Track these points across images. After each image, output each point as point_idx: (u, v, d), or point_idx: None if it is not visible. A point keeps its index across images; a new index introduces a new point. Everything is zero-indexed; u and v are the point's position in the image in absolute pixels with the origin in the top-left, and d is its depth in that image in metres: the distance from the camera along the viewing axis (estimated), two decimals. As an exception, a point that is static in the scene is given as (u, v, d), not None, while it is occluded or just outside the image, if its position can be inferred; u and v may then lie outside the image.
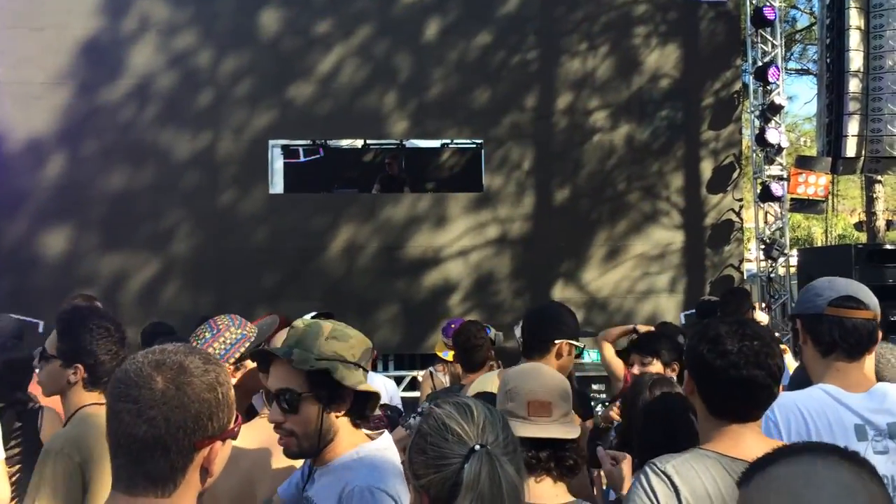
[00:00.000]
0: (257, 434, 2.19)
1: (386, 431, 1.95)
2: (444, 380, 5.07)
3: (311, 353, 1.78)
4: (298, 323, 1.89)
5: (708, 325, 1.92)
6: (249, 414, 2.46)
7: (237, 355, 2.42)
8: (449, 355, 4.57)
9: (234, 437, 1.34)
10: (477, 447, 1.30)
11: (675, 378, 3.18)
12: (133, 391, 1.23)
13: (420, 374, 8.58)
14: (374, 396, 1.88)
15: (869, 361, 2.21)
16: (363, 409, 1.87)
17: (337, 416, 1.82)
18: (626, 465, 2.30)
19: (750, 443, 1.77)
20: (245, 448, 2.13)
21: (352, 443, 1.84)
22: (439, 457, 1.32)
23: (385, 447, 1.88)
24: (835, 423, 2.08)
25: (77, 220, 8.53)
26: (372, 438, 1.91)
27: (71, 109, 8.59)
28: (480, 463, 1.27)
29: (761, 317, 5.11)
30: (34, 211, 8.48)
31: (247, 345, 2.44)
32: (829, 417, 2.09)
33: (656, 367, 3.31)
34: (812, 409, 2.11)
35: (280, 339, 2.27)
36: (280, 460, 2.09)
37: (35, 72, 8.54)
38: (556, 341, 2.83)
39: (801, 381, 2.40)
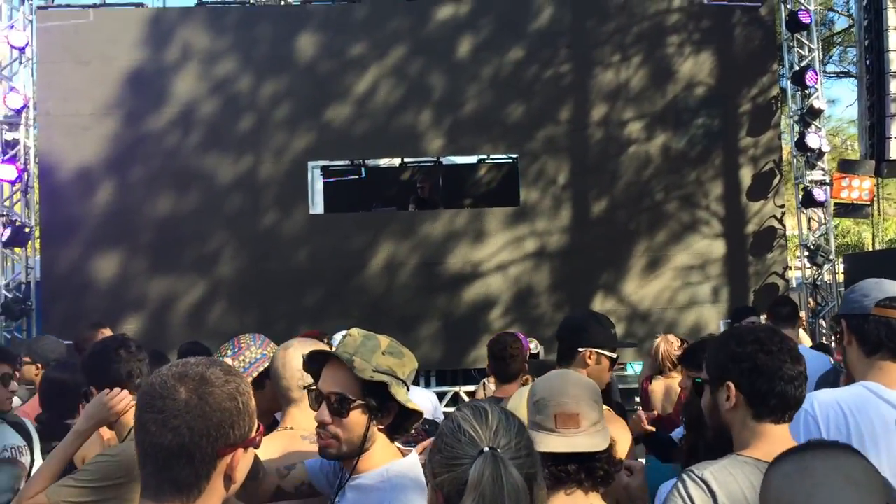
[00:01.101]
0: (279, 444, 2.26)
1: (413, 450, 2.00)
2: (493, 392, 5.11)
3: (369, 364, 1.84)
4: (354, 332, 1.94)
5: (739, 332, 1.97)
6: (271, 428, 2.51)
7: (255, 374, 2.50)
8: None
9: (257, 447, 1.40)
10: (486, 449, 1.35)
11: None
12: (158, 402, 1.30)
13: (462, 390, 8.65)
14: (417, 415, 1.94)
15: None
16: (403, 424, 1.94)
17: (378, 429, 1.88)
18: (640, 474, 2.30)
19: (782, 447, 1.78)
20: (268, 459, 2.19)
21: (385, 456, 1.90)
22: (452, 457, 1.38)
23: (412, 465, 1.92)
24: (875, 417, 2.10)
25: (126, 245, 8.80)
26: (403, 454, 1.97)
27: (118, 138, 8.89)
28: (485, 464, 1.32)
29: (804, 337, 5.03)
30: (85, 238, 8.78)
31: (266, 364, 2.51)
32: (870, 412, 2.11)
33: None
34: (852, 404, 2.13)
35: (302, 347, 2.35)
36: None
37: (83, 103, 8.87)
38: (580, 349, 2.85)
39: (831, 383, 2.40)
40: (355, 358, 1.84)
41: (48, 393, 3.66)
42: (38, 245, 9.07)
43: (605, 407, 2.88)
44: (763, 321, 5.09)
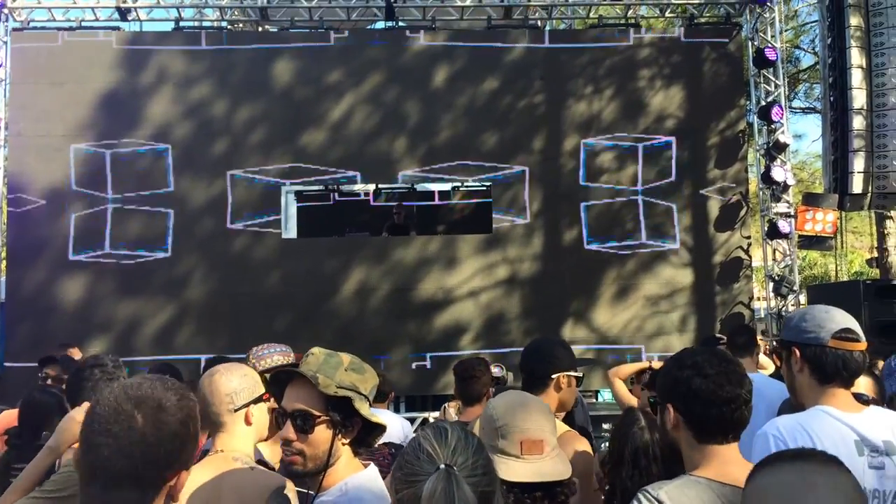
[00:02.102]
0: (211, 468, 2.23)
1: (372, 463, 2.02)
2: (454, 416, 5.12)
3: (332, 381, 1.88)
4: (316, 351, 1.97)
5: (681, 356, 2.04)
6: None
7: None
8: None
9: (194, 464, 1.44)
10: (441, 466, 1.39)
11: None
12: (114, 427, 1.30)
13: (432, 415, 8.62)
14: (380, 428, 1.98)
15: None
16: (366, 438, 1.97)
17: (343, 444, 1.91)
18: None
19: (735, 467, 1.86)
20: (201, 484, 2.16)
21: (347, 470, 1.93)
22: (411, 473, 1.42)
23: (371, 478, 1.96)
24: (837, 438, 2.16)
25: (93, 267, 8.72)
26: (365, 466, 1.99)
27: (90, 160, 8.84)
28: (438, 480, 1.36)
29: (764, 360, 5.10)
30: (52, 259, 8.68)
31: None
32: (833, 435, 2.18)
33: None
34: (817, 427, 2.19)
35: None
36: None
37: (55, 125, 8.83)
38: (553, 376, 2.90)
39: (793, 408, 2.46)
40: (319, 375, 1.88)
41: (24, 414, 3.66)
42: (2, 266, 8.95)
43: (567, 428, 2.93)
44: (766, 358, 5.19)
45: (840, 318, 2.30)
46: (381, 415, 4.87)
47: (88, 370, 2.62)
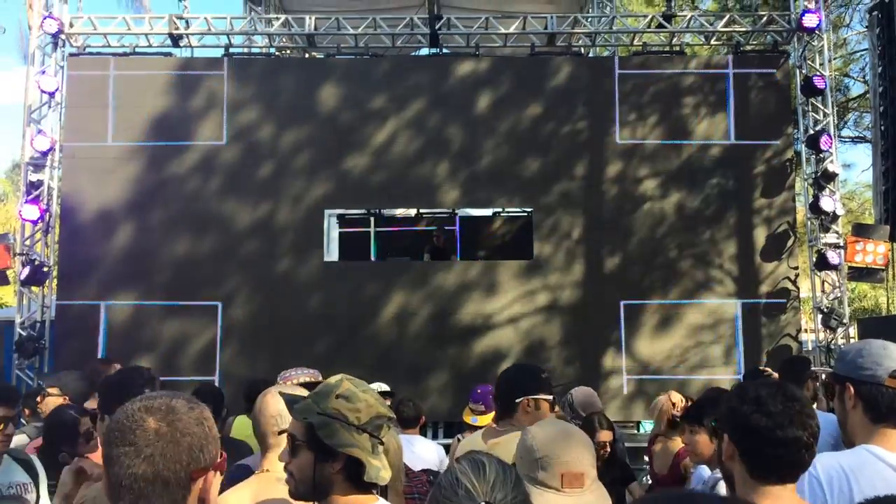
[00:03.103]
0: (255, 487, 2.27)
1: (381, 498, 1.93)
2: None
3: (315, 407, 1.85)
4: (333, 378, 1.96)
5: (745, 387, 1.95)
6: None
7: None
8: (478, 420, 4.55)
9: (223, 471, 1.44)
10: (482, 503, 1.37)
11: None
12: (129, 435, 1.34)
13: (459, 436, 8.54)
14: (368, 465, 1.85)
15: None
16: (357, 472, 1.84)
17: (332, 473, 1.84)
18: None
19: None
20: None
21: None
22: None
23: None
24: (878, 480, 2.07)
25: (142, 286, 8.90)
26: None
27: (140, 182, 9.07)
28: None
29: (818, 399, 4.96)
30: (103, 278, 8.88)
31: None
32: (873, 476, 2.09)
33: (703, 436, 3.28)
34: (855, 467, 2.11)
35: None
36: None
37: (108, 146, 9.08)
38: (517, 400, 2.98)
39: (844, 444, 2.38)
40: (305, 400, 1.88)
41: (46, 432, 3.72)
42: (55, 285, 9.18)
43: None
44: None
45: None
46: (417, 442, 4.91)
47: (130, 376, 2.64)
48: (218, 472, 1.43)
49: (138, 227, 9.03)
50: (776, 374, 4.90)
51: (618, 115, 9.25)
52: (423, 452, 4.73)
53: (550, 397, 3.09)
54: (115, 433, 1.36)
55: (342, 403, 1.85)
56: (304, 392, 2.49)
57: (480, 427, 4.44)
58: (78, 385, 4.51)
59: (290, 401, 1.91)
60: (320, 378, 2.87)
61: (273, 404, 2.39)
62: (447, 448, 7.46)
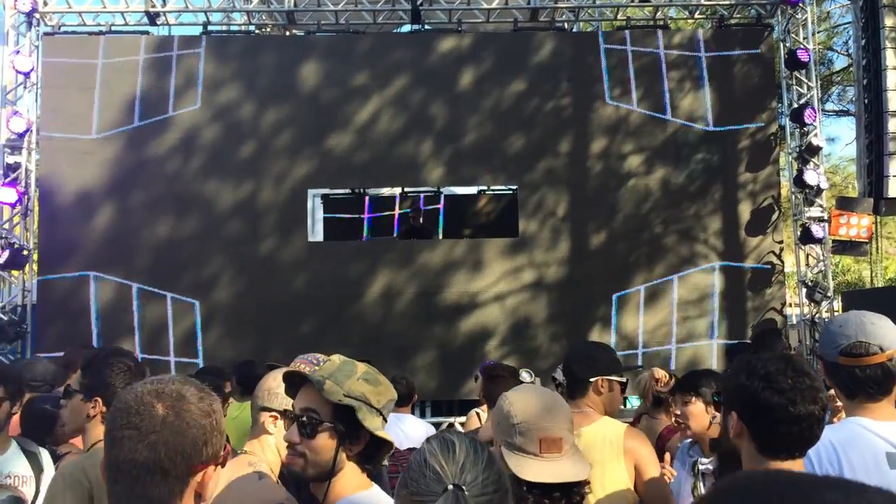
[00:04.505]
0: (229, 470, 2.23)
1: (375, 484, 1.93)
2: (478, 424, 5.04)
3: (341, 388, 1.82)
4: (335, 358, 1.93)
5: (753, 363, 1.89)
6: None
7: None
8: None
9: (223, 465, 1.41)
10: (450, 487, 1.31)
11: (718, 416, 3.11)
12: (134, 418, 1.30)
13: (458, 420, 8.57)
14: (388, 445, 1.90)
15: None
16: (374, 454, 1.89)
17: (348, 456, 1.84)
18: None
19: None
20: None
21: (352, 485, 1.85)
22: (417, 493, 1.34)
23: (375, 499, 1.88)
24: (866, 450, 2.08)
25: (123, 268, 8.80)
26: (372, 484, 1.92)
27: (119, 163, 8.94)
28: (447, 503, 1.29)
29: None
30: (83, 261, 8.78)
31: None
32: (861, 446, 2.09)
33: (698, 406, 3.24)
34: (844, 440, 2.11)
35: None
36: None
37: (85, 128, 8.93)
38: (591, 379, 2.87)
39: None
40: (328, 381, 1.83)
41: (27, 420, 3.64)
42: (35, 268, 9.06)
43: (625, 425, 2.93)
44: None
45: (852, 331, 2.18)
46: (406, 420, 4.89)
47: (111, 360, 2.58)
48: (218, 466, 1.39)
49: (118, 210, 8.91)
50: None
51: (607, 87, 9.18)
52: (411, 431, 4.70)
53: (624, 379, 3.01)
54: (120, 414, 1.32)
55: (366, 386, 1.85)
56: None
57: None
58: (48, 369, 4.44)
59: (317, 381, 1.85)
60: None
61: (269, 380, 2.37)
62: (436, 426, 7.48)
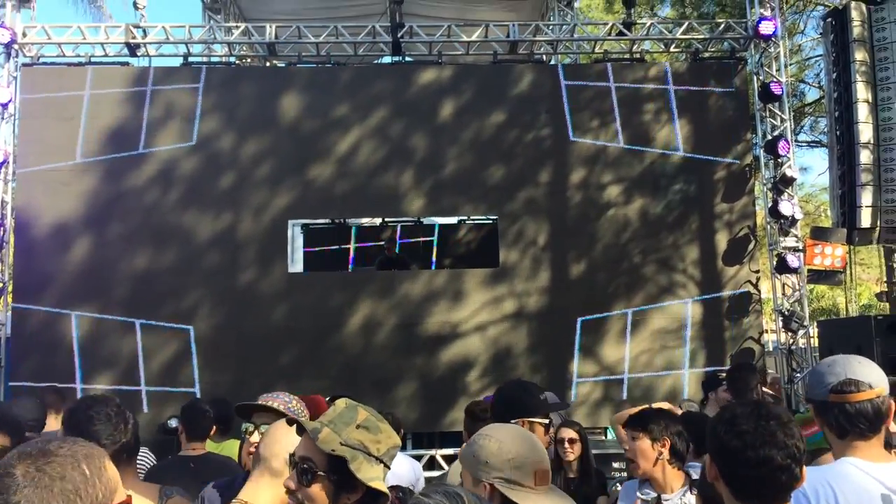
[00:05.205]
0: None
1: None
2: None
3: (338, 436, 1.80)
4: (339, 402, 1.91)
5: (725, 407, 1.97)
6: None
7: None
8: None
9: None
10: None
11: (665, 453, 3.17)
12: None
13: (439, 453, 8.51)
14: (383, 497, 1.86)
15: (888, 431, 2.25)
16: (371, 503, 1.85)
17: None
18: None
19: None
20: None
21: None
22: None
23: None
24: (862, 491, 2.09)
25: (100, 301, 8.70)
26: None
27: (97, 194, 8.87)
28: None
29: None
30: (58, 294, 8.67)
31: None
32: (856, 486, 2.11)
33: (645, 442, 3.29)
34: (839, 480, 2.12)
35: None
36: None
37: (63, 159, 8.87)
38: (513, 422, 2.86)
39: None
40: (325, 429, 1.81)
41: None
42: (10, 300, 8.93)
43: None
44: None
45: (841, 370, 2.22)
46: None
47: (91, 412, 2.54)
48: None
49: (96, 242, 8.82)
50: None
51: (570, 122, 9.30)
52: (397, 467, 4.63)
53: (546, 421, 3.03)
54: None
55: (364, 434, 1.82)
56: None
57: None
58: (37, 407, 4.36)
59: (313, 429, 1.82)
60: (294, 402, 2.79)
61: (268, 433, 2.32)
62: (416, 459, 7.42)
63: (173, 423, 7.81)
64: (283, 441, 2.17)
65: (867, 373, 2.21)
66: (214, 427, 4.21)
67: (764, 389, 4.94)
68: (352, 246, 10.88)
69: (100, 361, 8.61)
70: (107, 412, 2.51)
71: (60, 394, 5.70)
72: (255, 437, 2.63)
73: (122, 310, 8.71)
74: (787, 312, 9.28)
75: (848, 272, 11.22)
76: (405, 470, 4.53)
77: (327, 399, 3.54)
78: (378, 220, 10.94)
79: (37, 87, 9.07)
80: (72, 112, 8.97)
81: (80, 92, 9.02)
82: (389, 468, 1.88)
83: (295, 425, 1.93)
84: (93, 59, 9.33)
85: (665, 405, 4.80)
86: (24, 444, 1.33)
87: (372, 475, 1.81)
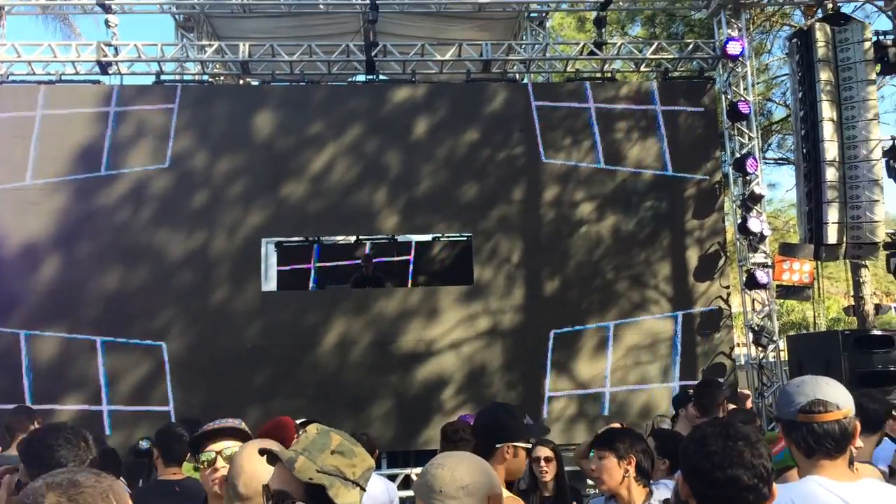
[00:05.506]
0: None
1: None
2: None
3: (313, 464, 1.79)
4: (311, 429, 1.90)
5: (697, 427, 2.02)
6: None
7: None
8: None
9: None
10: None
11: (630, 470, 3.22)
12: None
13: (414, 472, 8.47)
14: None
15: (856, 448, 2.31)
16: None
17: None
18: None
19: None
20: None
21: None
22: None
23: None
24: None
25: (70, 321, 8.57)
26: None
27: (66, 213, 8.76)
28: None
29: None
30: (27, 314, 8.52)
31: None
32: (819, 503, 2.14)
33: (611, 461, 3.33)
34: (805, 498, 2.17)
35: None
36: None
37: (32, 178, 8.75)
38: (497, 446, 2.88)
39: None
40: (300, 457, 1.80)
41: None
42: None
43: (508, 494, 2.92)
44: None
45: (809, 391, 2.28)
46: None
47: (51, 437, 2.52)
48: None
49: (65, 261, 8.70)
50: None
51: (540, 141, 9.40)
52: (371, 487, 4.62)
53: (529, 445, 3.04)
54: None
55: (339, 459, 1.81)
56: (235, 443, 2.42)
57: None
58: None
59: (288, 459, 1.80)
60: (243, 426, 2.74)
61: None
62: (390, 478, 7.38)
63: (145, 444, 7.70)
64: (263, 475, 2.15)
65: (835, 394, 2.27)
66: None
67: (730, 406, 5.02)
68: (313, 266, 10.84)
69: (56, 382, 8.44)
70: (65, 436, 2.50)
71: (30, 415, 5.58)
72: (221, 463, 2.57)
73: (91, 329, 8.58)
74: (756, 328, 9.41)
75: (816, 286, 11.40)
76: (379, 491, 4.51)
77: (297, 422, 3.53)
78: (353, 238, 10.92)
79: (5, 105, 8.95)
80: (41, 130, 8.85)
81: (50, 110, 8.92)
82: (365, 490, 1.88)
83: (266, 455, 1.92)
84: (63, 78, 9.26)
85: (615, 425, 4.83)
86: (48, 473, 1.39)
87: (349, 500, 1.80)
